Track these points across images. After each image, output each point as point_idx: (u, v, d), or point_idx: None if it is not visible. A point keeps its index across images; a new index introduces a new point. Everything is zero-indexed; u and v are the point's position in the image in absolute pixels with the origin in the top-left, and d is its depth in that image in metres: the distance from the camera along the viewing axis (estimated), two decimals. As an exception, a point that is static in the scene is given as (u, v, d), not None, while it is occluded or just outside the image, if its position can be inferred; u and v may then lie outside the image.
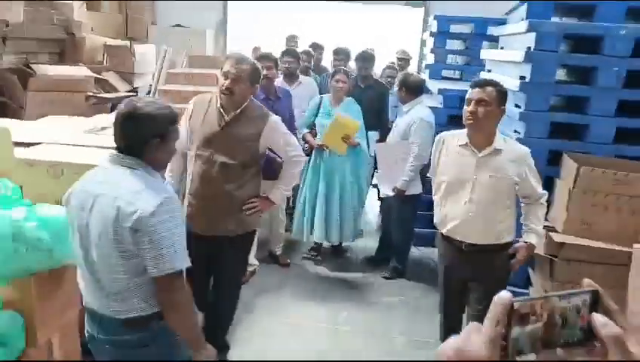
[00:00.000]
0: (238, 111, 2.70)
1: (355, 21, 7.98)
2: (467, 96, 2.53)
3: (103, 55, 5.48)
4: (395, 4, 7.69)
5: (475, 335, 0.57)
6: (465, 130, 2.63)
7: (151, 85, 5.52)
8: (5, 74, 4.08)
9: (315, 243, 4.49)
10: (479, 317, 2.08)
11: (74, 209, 1.83)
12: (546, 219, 2.93)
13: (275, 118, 2.82)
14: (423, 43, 7.07)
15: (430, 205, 3.25)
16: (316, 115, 4.27)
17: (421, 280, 4.20)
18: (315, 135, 4.32)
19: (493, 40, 5.47)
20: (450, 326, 2.93)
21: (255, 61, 2.87)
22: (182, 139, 2.46)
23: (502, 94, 2.53)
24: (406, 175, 3.85)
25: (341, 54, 5.33)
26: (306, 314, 3.64)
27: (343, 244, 4.62)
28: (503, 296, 0.57)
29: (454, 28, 5.54)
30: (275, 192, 2.91)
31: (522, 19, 3.28)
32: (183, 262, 1.78)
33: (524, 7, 3.26)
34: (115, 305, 1.81)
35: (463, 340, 0.58)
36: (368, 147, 4.36)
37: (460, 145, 2.65)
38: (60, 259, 2.20)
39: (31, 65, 4.18)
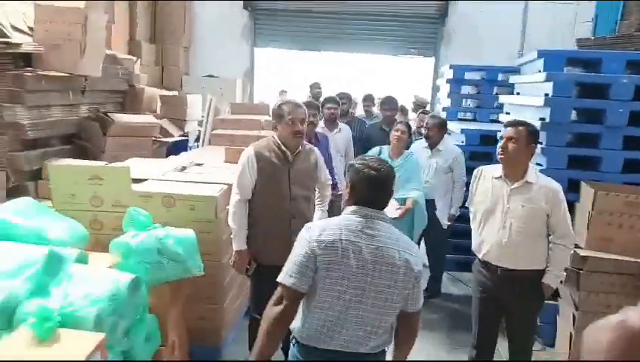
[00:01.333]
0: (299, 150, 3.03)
1: (370, 71, 8.67)
2: (500, 134, 2.92)
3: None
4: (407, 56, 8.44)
5: None
6: (500, 165, 2.94)
7: (199, 130, 6.12)
8: (87, 122, 4.66)
9: None
10: (519, 339, 2.85)
11: (343, 258, 1.85)
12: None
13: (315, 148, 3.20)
14: (437, 89, 7.80)
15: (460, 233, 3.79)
16: None
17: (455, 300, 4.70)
18: None
19: (501, 85, 6.20)
20: (481, 354, 3.09)
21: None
22: (248, 187, 2.89)
23: (531, 133, 2.84)
24: (457, 203, 4.42)
25: (368, 100, 5.97)
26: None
27: None
28: None
29: (468, 75, 6.23)
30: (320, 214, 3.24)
31: (539, 70, 3.93)
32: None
33: (540, 61, 3.91)
34: (371, 341, 1.93)
35: None
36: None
37: (495, 178, 2.95)
38: (191, 270, 2.72)
39: (108, 113, 4.76)
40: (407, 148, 4.41)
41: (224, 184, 3.36)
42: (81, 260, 2.59)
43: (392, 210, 3.97)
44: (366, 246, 1.86)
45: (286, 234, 2.79)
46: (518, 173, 2.88)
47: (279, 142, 2.92)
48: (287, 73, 8.79)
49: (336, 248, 1.85)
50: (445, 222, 4.59)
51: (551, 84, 3.68)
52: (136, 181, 3.36)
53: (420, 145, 4.71)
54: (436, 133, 4.55)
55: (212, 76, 8.28)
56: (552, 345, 3.94)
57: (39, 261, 2.29)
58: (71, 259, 2.49)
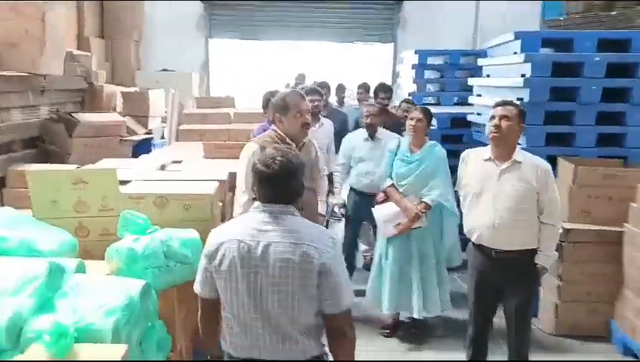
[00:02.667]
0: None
1: (329, 58, 8.64)
2: (491, 114, 2.88)
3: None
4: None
5: None
6: (488, 147, 2.95)
7: (164, 127, 5.90)
8: (50, 123, 4.39)
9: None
10: (517, 319, 2.90)
11: (232, 259, 1.80)
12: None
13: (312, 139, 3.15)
14: (397, 75, 7.87)
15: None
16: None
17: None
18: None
19: (463, 69, 6.34)
20: (478, 336, 3.12)
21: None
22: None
23: (522, 113, 2.89)
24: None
25: (361, 88, 5.93)
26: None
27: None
28: None
29: (431, 60, 6.31)
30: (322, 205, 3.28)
31: (514, 52, 4.03)
32: (352, 299, 1.89)
33: (515, 43, 4.01)
34: (298, 347, 1.82)
35: None
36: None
37: (483, 160, 2.94)
38: (198, 271, 2.61)
39: (72, 114, 4.50)
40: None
41: (215, 181, 3.25)
42: (80, 270, 2.44)
43: (390, 227, 3.63)
44: (256, 244, 1.79)
45: None
46: (507, 154, 2.88)
47: (282, 135, 2.83)
48: (245, 64, 8.61)
49: (220, 251, 1.82)
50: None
51: (529, 64, 3.78)
52: (121, 183, 3.19)
53: (361, 136, 4.30)
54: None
55: (167, 70, 8.00)
56: (535, 315, 4.05)
57: (41, 275, 2.13)
58: (71, 271, 2.34)
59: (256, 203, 1.91)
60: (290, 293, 1.77)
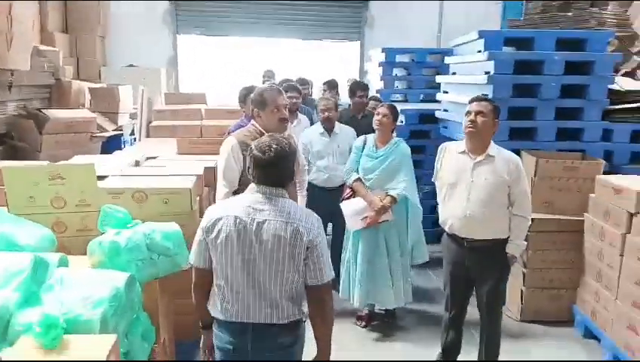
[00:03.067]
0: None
1: (297, 55, 8.67)
2: (467, 109, 2.97)
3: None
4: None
5: None
6: (464, 141, 3.07)
7: (133, 123, 5.85)
8: (19, 120, 4.31)
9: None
10: (488, 306, 3.11)
11: (229, 233, 2.00)
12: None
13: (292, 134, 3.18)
14: (365, 72, 8.02)
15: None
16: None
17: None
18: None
19: (430, 67, 6.53)
20: (453, 321, 3.26)
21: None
22: (235, 178, 2.83)
23: (496, 108, 2.98)
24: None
25: (326, 84, 5.96)
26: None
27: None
28: None
29: (398, 58, 6.47)
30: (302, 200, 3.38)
31: (479, 51, 4.20)
32: (332, 273, 2.11)
33: (479, 42, 4.18)
34: (278, 312, 2.05)
35: None
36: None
37: (459, 153, 3.07)
38: (180, 264, 2.66)
39: (42, 110, 4.43)
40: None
41: (193, 175, 3.29)
42: (63, 264, 2.45)
43: (358, 220, 3.71)
44: (251, 220, 2.00)
45: None
46: (481, 148, 2.99)
47: (261, 130, 2.88)
48: (213, 60, 8.56)
49: (217, 226, 2.02)
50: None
51: (492, 62, 3.96)
52: (97, 179, 3.18)
53: (317, 130, 4.37)
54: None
55: (133, 66, 7.89)
56: (504, 304, 4.24)
57: (26, 269, 2.15)
58: (54, 264, 2.35)
59: (252, 185, 2.11)
60: (280, 265, 2.00)
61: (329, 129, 4.31)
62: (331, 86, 6.10)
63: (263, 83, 5.87)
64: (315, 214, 2.14)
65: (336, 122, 4.37)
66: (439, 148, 3.30)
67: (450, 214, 3.09)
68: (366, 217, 3.70)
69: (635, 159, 4.30)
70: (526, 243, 3.16)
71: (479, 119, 2.94)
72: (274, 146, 2.04)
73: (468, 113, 3.00)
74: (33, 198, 2.94)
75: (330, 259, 2.12)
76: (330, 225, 4.48)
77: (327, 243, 2.24)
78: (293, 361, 2.15)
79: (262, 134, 2.85)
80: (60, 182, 2.94)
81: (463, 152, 3.06)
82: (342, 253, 4.00)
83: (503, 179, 2.95)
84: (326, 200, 4.11)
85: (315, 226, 2.05)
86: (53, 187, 2.94)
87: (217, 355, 2.18)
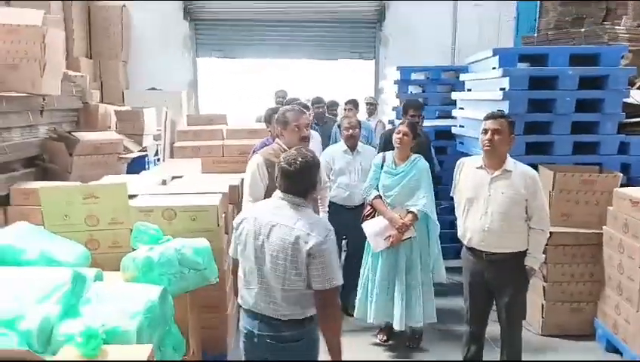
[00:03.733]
0: None
1: (313, 75, 8.82)
2: (483, 127, 3.04)
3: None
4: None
5: None
6: (481, 156, 3.14)
7: (157, 144, 6.03)
8: (50, 142, 4.50)
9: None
10: (508, 319, 3.19)
11: (248, 232, 2.27)
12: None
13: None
14: (380, 90, 8.14)
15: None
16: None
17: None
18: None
19: (444, 83, 6.63)
20: (474, 335, 3.29)
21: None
22: (261, 193, 2.97)
23: (512, 124, 3.05)
24: None
25: (350, 103, 6.12)
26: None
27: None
28: None
29: (414, 75, 6.59)
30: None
31: (494, 68, 4.30)
32: (341, 280, 2.24)
33: (494, 58, 4.28)
34: (279, 309, 2.23)
35: None
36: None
37: (476, 168, 3.13)
38: (209, 278, 2.76)
39: (72, 133, 4.61)
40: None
41: (219, 193, 3.41)
42: (99, 278, 2.57)
43: (381, 241, 3.73)
44: (266, 223, 2.22)
45: None
46: (498, 163, 3.05)
47: (285, 148, 3.00)
48: (232, 82, 8.77)
49: (242, 224, 2.31)
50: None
51: (507, 79, 4.05)
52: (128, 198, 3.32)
53: (340, 148, 4.42)
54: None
55: (155, 89, 8.13)
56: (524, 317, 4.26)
57: (66, 283, 2.27)
58: (91, 279, 2.47)
59: (277, 191, 2.32)
60: (282, 267, 2.18)
61: (352, 147, 4.37)
62: (353, 105, 6.25)
63: (276, 103, 6.02)
64: (330, 225, 2.27)
65: (359, 141, 4.44)
66: (457, 163, 3.37)
67: (469, 228, 3.15)
68: (389, 236, 3.73)
69: (653, 171, 4.33)
70: (544, 256, 3.19)
71: (496, 137, 3.00)
72: (299, 160, 2.24)
73: (484, 131, 3.06)
74: (68, 217, 3.09)
75: (338, 267, 2.24)
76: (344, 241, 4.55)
77: (340, 259, 2.35)
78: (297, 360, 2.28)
79: (285, 151, 3.01)
80: (93, 201, 3.09)
81: (481, 167, 3.13)
82: (360, 269, 3.99)
83: (520, 193, 3.00)
84: (344, 218, 4.16)
85: (320, 236, 2.16)
86: (87, 206, 3.09)
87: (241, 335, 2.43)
